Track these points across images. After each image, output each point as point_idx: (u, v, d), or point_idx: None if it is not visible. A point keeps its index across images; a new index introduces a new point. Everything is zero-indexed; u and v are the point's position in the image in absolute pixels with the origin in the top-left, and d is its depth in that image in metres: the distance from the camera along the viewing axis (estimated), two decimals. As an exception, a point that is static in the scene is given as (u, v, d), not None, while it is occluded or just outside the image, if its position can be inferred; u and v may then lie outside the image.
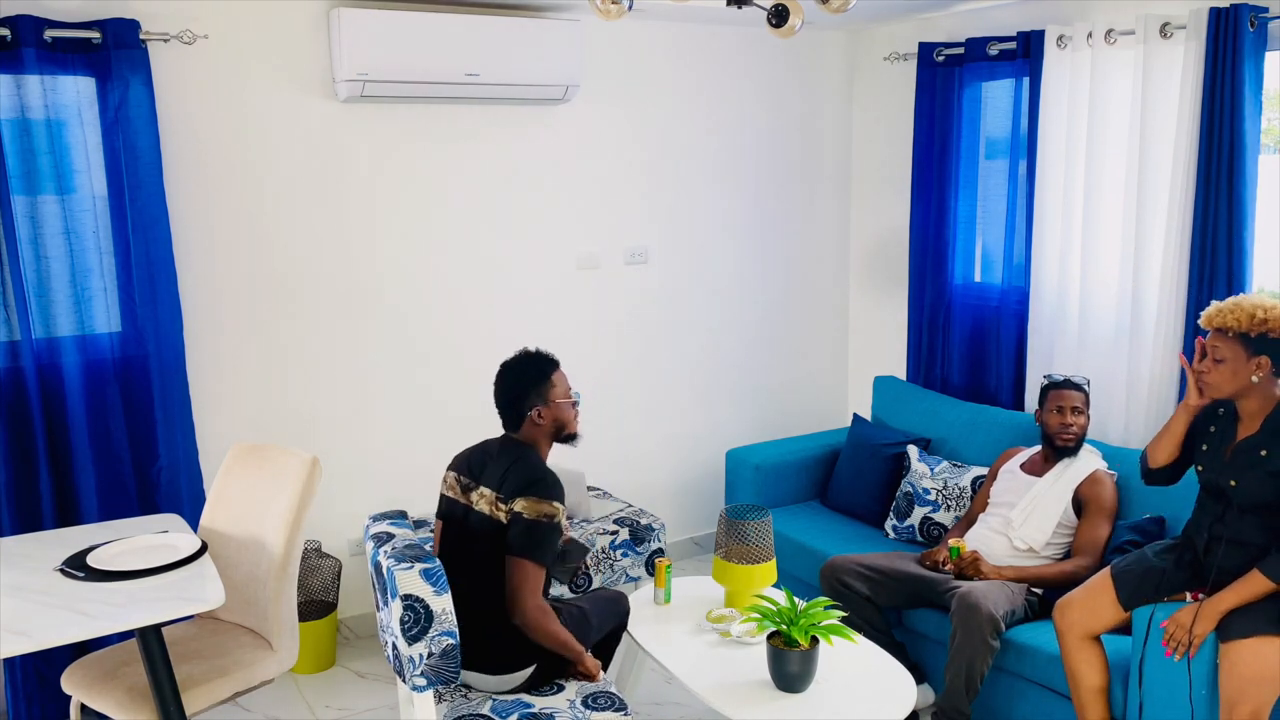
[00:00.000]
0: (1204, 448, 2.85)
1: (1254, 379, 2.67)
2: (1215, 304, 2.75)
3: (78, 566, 2.66)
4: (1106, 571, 2.96)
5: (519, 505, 2.68)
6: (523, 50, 3.78)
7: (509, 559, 2.67)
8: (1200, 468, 2.86)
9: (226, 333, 3.67)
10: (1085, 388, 3.44)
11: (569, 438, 2.91)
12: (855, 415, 4.39)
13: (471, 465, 2.86)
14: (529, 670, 2.75)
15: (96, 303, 3.38)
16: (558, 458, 4.19)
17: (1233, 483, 2.74)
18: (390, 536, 2.75)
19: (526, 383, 2.82)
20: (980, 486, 3.71)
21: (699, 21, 4.38)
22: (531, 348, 2.91)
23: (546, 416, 2.83)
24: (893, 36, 4.65)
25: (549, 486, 2.71)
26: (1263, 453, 2.69)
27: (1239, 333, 2.67)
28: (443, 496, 2.90)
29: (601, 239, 4.36)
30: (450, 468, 2.92)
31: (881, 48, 4.72)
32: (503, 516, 2.70)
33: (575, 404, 2.90)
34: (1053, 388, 3.45)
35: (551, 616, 2.71)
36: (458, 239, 4.05)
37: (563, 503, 2.73)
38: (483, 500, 2.76)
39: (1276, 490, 2.67)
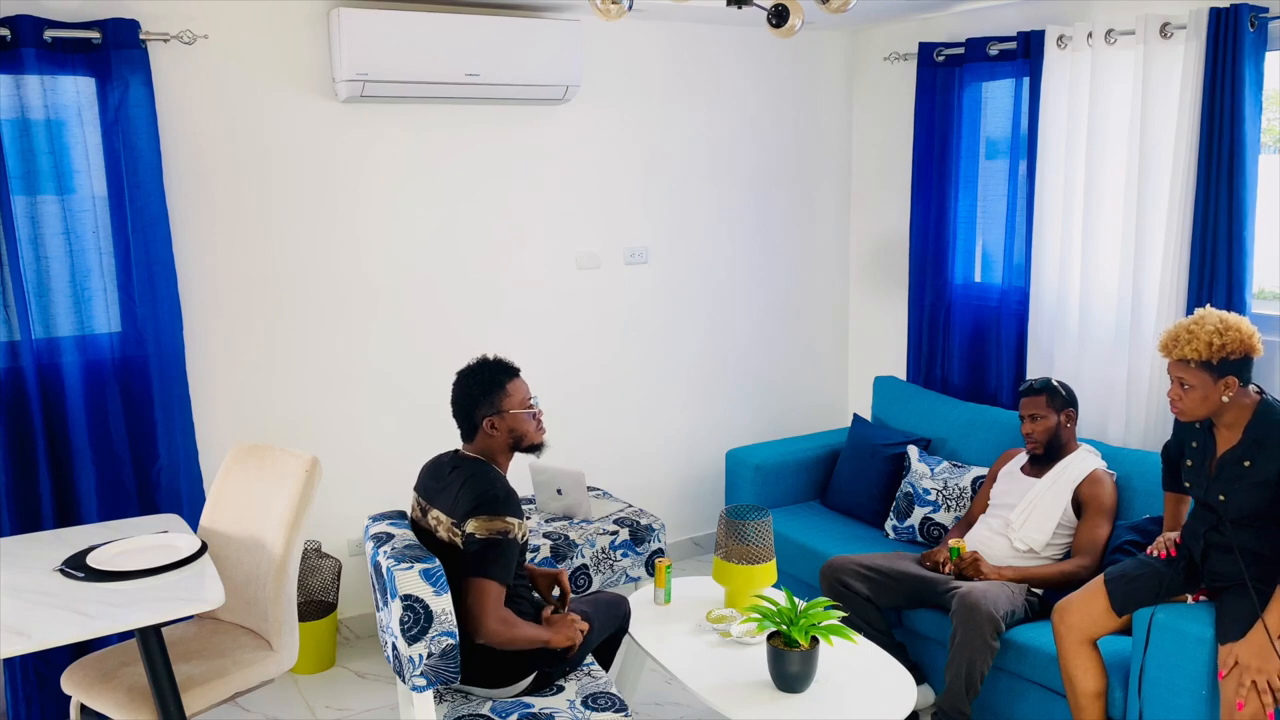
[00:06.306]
0: (1189, 464, 2.85)
1: (1224, 399, 2.67)
2: (1169, 331, 2.72)
3: (77, 567, 2.65)
4: (1101, 578, 2.95)
5: (470, 527, 2.60)
6: (523, 50, 3.78)
7: (467, 580, 2.59)
8: (1189, 484, 2.85)
9: (226, 333, 3.67)
10: (1046, 388, 3.41)
11: (531, 448, 2.80)
12: (855, 415, 4.39)
13: (426, 487, 2.80)
14: (528, 680, 2.73)
15: (96, 303, 3.38)
16: (558, 459, 4.23)
17: (1221, 497, 2.72)
18: (390, 536, 2.75)
19: (478, 392, 2.71)
20: (980, 487, 3.71)
21: (699, 21, 4.38)
22: (491, 355, 2.80)
23: (501, 427, 2.72)
24: (893, 36, 4.65)
25: (499, 503, 2.61)
26: (1246, 464, 2.67)
27: (1200, 361, 2.66)
28: (411, 520, 2.85)
29: (601, 239, 4.36)
30: (414, 488, 2.86)
31: (881, 48, 4.71)
32: (459, 541, 2.63)
33: (535, 414, 2.78)
34: (1020, 395, 3.47)
35: (515, 623, 2.62)
36: (457, 239, 4.04)
37: (518, 516, 2.64)
38: (440, 526, 2.69)
39: (1264, 500, 2.65)
